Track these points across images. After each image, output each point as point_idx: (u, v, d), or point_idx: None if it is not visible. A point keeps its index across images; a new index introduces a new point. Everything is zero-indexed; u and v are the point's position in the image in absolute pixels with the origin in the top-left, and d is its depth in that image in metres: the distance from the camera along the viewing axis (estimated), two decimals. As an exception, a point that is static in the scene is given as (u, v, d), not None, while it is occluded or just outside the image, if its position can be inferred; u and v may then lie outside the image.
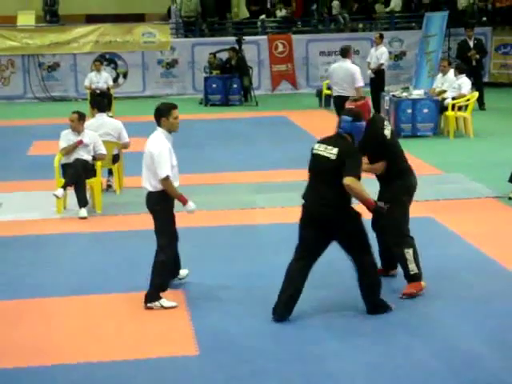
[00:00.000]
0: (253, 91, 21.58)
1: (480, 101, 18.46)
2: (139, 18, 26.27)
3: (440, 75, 16.83)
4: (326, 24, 25.48)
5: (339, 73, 14.27)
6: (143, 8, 27.84)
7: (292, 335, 6.71)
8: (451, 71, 16.44)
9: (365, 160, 7.20)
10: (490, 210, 10.57)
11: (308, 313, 7.12)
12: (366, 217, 7.20)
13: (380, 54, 19.83)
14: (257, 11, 25.31)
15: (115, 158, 11.69)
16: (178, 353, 6.45)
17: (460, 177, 12.37)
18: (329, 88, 20.76)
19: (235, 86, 21.44)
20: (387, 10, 25.61)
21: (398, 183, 7.46)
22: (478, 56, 19.42)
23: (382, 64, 19.57)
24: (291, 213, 10.42)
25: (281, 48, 23.86)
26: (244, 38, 21.92)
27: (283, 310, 6.94)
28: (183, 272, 7.87)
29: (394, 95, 16.26)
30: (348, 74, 14.07)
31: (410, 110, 15.77)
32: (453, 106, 15.81)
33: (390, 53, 21.78)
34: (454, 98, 15.95)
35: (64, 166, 10.80)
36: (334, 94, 14.70)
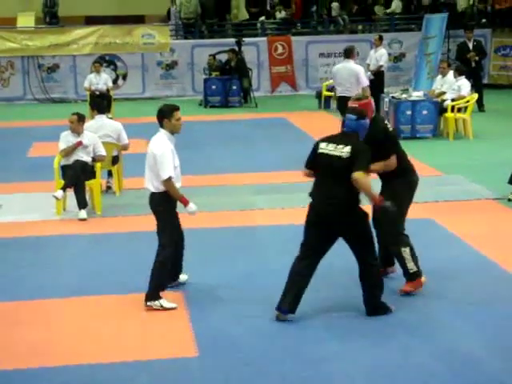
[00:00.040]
0: (252, 93, 21.58)
1: (479, 102, 18.46)
2: (139, 20, 26.26)
3: (439, 77, 16.83)
4: (326, 26, 25.49)
5: (343, 73, 14.29)
6: (143, 9, 27.84)
7: (292, 336, 6.72)
8: (451, 73, 16.45)
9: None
10: (489, 212, 10.57)
11: (308, 313, 7.12)
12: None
13: (379, 56, 19.84)
14: (256, 13, 25.31)
15: (115, 160, 11.69)
16: (178, 354, 6.45)
17: (460, 178, 12.37)
18: (328, 89, 20.86)
19: (235, 87, 21.44)
20: (388, 11, 25.60)
21: (399, 181, 7.48)
22: (477, 58, 19.43)
23: (381, 66, 19.58)
24: (291, 214, 10.46)
25: (280, 50, 23.86)
26: (243, 39, 21.92)
27: (287, 309, 6.96)
28: (183, 277, 7.88)
29: (393, 97, 16.27)
30: (352, 75, 14.10)
31: (409, 112, 15.77)
32: (452, 108, 15.82)
33: (389, 54, 21.78)
34: (453, 100, 15.96)
35: (63, 168, 10.80)
36: (338, 94, 14.72)
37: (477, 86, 18.14)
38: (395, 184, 7.47)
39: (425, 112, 15.80)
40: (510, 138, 15.24)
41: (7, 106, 22.38)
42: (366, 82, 14.23)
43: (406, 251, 7.48)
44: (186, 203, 7.38)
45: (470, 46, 19.65)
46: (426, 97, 16.25)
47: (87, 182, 10.71)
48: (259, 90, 23.24)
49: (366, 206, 7.13)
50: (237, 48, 21.53)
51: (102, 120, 11.70)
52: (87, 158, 10.79)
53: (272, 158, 14.32)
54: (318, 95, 21.03)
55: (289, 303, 6.96)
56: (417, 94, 16.32)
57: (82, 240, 9.67)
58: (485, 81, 22.49)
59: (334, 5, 25.62)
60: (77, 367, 6.23)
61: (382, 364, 6.18)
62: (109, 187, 11.91)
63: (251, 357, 6.35)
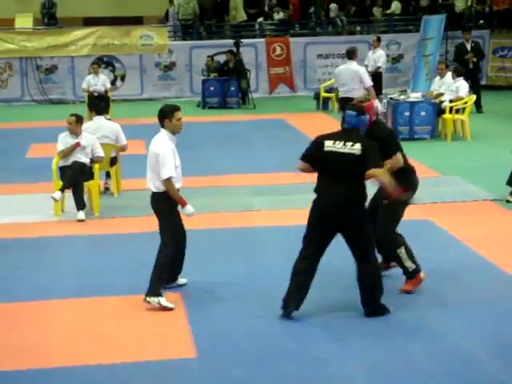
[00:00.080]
0: (250, 94, 21.57)
1: (477, 104, 18.47)
2: (137, 21, 26.25)
3: (437, 78, 16.84)
4: (324, 27, 25.49)
5: (346, 74, 14.31)
6: (141, 11, 27.84)
7: (291, 337, 6.71)
8: (449, 74, 16.46)
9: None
10: (487, 213, 10.58)
11: (307, 313, 7.12)
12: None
13: (377, 57, 19.87)
14: (254, 14, 25.30)
15: (113, 161, 11.69)
16: (177, 355, 6.45)
17: (458, 180, 12.38)
18: (326, 91, 20.87)
19: (233, 88, 21.44)
20: (388, 12, 25.60)
21: (399, 182, 7.47)
22: (475, 59, 19.43)
23: (379, 67, 19.60)
24: (290, 215, 10.47)
25: (278, 51, 23.86)
26: (242, 40, 21.92)
27: (292, 308, 6.99)
28: (182, 280, 7.88)
29: (391, 98, 16.27)
30: (355, 76, 14.13)
31: (407, 113, 15.78)
32: (450, 109, 15.83)
33: (387, 56, 21.79)
34: (451, 101, 15.97)
35: (62, 169, 10.80)
36: (341, 95, 14.73)
37: (475, 88, 18.15)
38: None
39: (423, 113, 15.81)
40: (508, 139, 15.24)
41: (5, 108, 22.36)
42: (369, 83, 14.26)
43: (401, 251, 7.51)
44: (183, 204, 7.41)
45: (468, 47, 19.66)
46: (424, 98, 16.25)
47: (85, 183, 10.71)
48: (257, 91, 23.24)
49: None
50: (235, 49, 21.53)
51: (100, 121, 11.70)
52: (85, 159, 10.78)
53: (270, 159, 14.32)
54: (317, 96, 21.02)
55: (293, 302, 6.99)
56: (415, 96, 16.33)
57: (80, 241, 9.67)
58: (483, 82, 22.50)
59: (332, 6, 25.62)
60: (76, 368, 6.23)
61: (381, 364, 6.18)
62: (107, 188, 11.91)
63: (250, 357, 6.35)
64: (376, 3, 25.96)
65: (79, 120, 10.88)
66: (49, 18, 24.96)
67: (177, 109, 7.43)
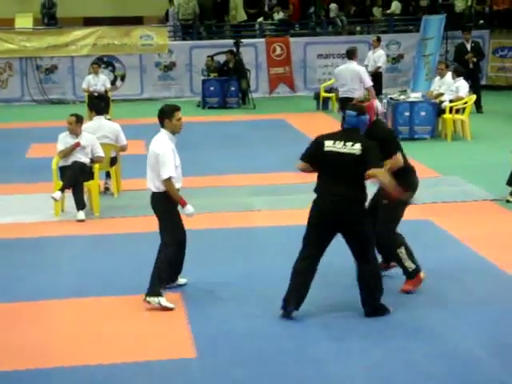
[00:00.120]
0: (250, 94, 21.58)
1: (477, 104, 18.47)
2: (137, 21, 26.25)
3: (437, 78, 16.84)
4: (324, 27, 25.49)
5: (346, 74, 14.32)
6: (141, 11, 27.84)
7: (291, 337, 6.72)
8: (449, 74, 16.45)
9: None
10: (487, 213, 10.58)
11: (307, 314, 7.13)
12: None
13: (377, 57, 19.87)
14: (254, 14, 25.31)
15: (113, 161, 11.69)
16: (177, 355, 6.45)
17: (458, 180, 12.38)
18: (326, 91, 20.87)
19: (233, 88, 21.44)
20: (389, 12, 25.59)
21: (400, 182, 7.47)
22: (475, 59, 19.43)
23: (379, 67, 19.60)
24: (290, 215, 10.47)
25: (278, 51, 23.86)
26: (242, 40, 21.92)
27: (292, 307, 7.01)
28: (182, 280, 7.88)
29: (391, 98, 16.27)
30: (356, 76, 14.14)
31: (407, 113, 15.78)
32: (450, 109, 15.83)
33: (387, 56, 21.79)
34: (451, 101, 15.97)
35: (62, 169, 10.80)
36: (341, 95, 14.73)
37: (475, 88, 18.15)
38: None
39: (423, 113, 15.81)
40: (508, 139, 15.23)
41: (5, 108, 22.36)
42: (369, 83, 14.27)
43: (401, 251, 7.52)
44: (183, 204, 7.42)
45: (468, 47, 19.66)
46: (424, 98, 16.25)
47: (85, 183, 10.71)
48: (257, 91, 23.24)
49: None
50: (235, 49, 21.53)
51: (100, 121, 11.70)
52: (85, 159, 10.78)
53: (270, 159, 14.32)
54: (317, 96, 21.02)
55: (293, 302, 7.01)
56: (415, 96, 16.33)
57: (80, 241, 9.67)
58: (483, 82, 22.50)
59: (332, 6, 25.62)
60: (75, 368, 6.23)
61: (381, 365, 6.18)
62: (107, 188, 11.91)
63: (250, 358, 6.35)
64: (376, 3, 25.97)
65: (79, 120, 10.88)
66: (49, 18, 24.95)
67: (177, 109, 7.44)
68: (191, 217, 7.54)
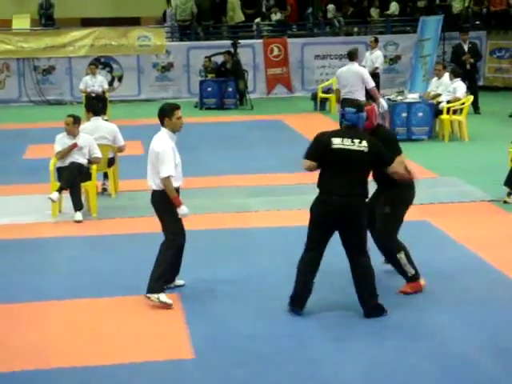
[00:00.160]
0: (248, 95, 21.58)
1: (475, 105, 18.50)
2: (134, 22, 26.26)
3: (435, 79, 16.86)
4: (321, 28, 25.50)
5: (347, 76, 14.34)
6: (138, 12, 27.84)
7: (288, 337, 6.72)
8: (446, 75, 16.47)
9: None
10: (484, 214, 10.59)
11: (306, 314, 7.14)
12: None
13: (375, 58, 19.89)
14: (252, 15, 25.31)
15: (110, 162, 11.69)
16: (174, 356, 6.45)
17: (455, 180, 12.39)
18: (324, 91, 20.88)
19: (230, 89, 21.45)
20: (388, 13, 25.60)
21: (399, 191, 7.51)
22: (472, 60, 19.45)
23: (376, 68, 19.61)
24: (287, 216, 10.47)
25: (276, 51, 23.87)
26: (239, 41, 21.92)
27: (300, 302, 7.12)
28: (179, 281, 7.89)
29: (389, 99, 16.27)
30: (357, 77, 14.17)
31: (404, 114, 15.79)
32: (448, 110, 15.85)
33: (384, 56, 21.82)
34: (448, 102, 15.99)
35: (59, 170, 10.79)
36: (343, 96, 14.75)
37: (472, 89, 18.16)
38: (394, 193, 7.52)
39: (420, 114, 15.82)
40: (505, 140, 15.23)
41: (2, 108, 22.34)
42: (371, 83, 14.29)
43: (401, 257, 7.53)
44: (178, 204, 7.43)
45: (466, 48, 19.68)
46: (422, 99, 16.27)
47: (83, 184, 10.71)
48: (255, 92, 23.25)
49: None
50: (232, 50, 21.54)
51: (97, 122, 11.70)
52: (83, 160, 10.78)
53: (268, 160, 14.33)
54: (314, 97, 21.03)
55: (298, 304, 7.14)
56: (412, 96, 16.34)
57: (77, 242, 9.67)
58: (480, 83, 22.51)
59: (330, 7, 25.63)
60: (72, 369, 6.23)
61: (378, 365, 6.19)
62: (104, 189, 11.91)
63: (247, 358, 6.36)
64: (373, 4, 25.97)
65: (77, 121, 10.88)
66: (46, 19, 24.94)
67: (177, 107, 7.52)
68: (185, 217, 7.55)
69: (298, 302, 7.15)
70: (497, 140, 15.16)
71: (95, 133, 11.37)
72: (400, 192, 7.53)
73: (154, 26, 25.19)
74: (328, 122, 17.53)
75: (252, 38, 24.46)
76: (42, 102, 23.04)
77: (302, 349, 6.50)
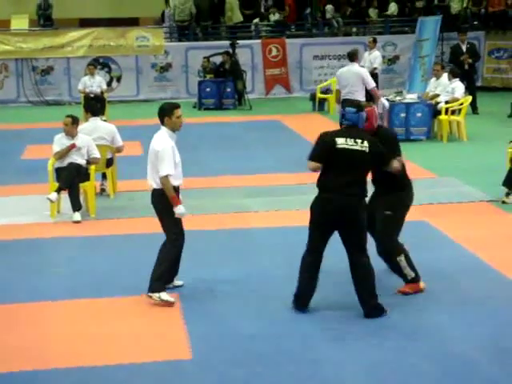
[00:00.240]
0: (246, 95, 21.59)
1: (473, 105, 18.51)
2: (133, 22, 26.27)
3: (433, 79, 16.88)
4: (320, 28, 25.52)
5: (348, 77, 14.36)
6: (137, 12, 27.85)
7: (287, 338, 6.71)
8: (444, 75, 16.48)
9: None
10: (483, 214, 10.59)
11: (305, 314, 7.13)
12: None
13: (373, 58, 19.90)
14: (250, 15, 25.32)
15: (109, 162, 11.69)
16: (172, 356, 6.44)
17: (453, 180, 12.39)
18: (322, 92, 20.89)
19: (229, 89, 21.46)
20: (388, 13, 25.62)
21: (398, 193, 7.55)
22: (470, 60, 19.46)
23: (375, 68, 19.62)
24: (285, 216, 10.47)
25: (274, 52, 23.89)
26: (238, 41, 21.93)
27: (304, 300, 7.19)
28: (178, 282, 7.89)
29: (387, 99, 16.28)
30: (358, 78, 14.18)
31: (403, 114, 15.80)
32: (446, 110, 15.85)
33: (383, 57, 21.82)
34: (447, 102, 15.99)
35: (58, 170, 10.79)
36: (343, 97, 14.76)
37: (470, 89, 18.17)
38: (394, 196, 7.55)
39: (419, 114, 15.83)
40: (503, 141, 15.23)
41: (1, 109, 22.33)
42: (372, 84, 14.31)
43: (401, 260, 7.53)
44: (176, 203, 7.43)
45: (464, 48, 19.69)
46: (420, 99, 16.28)
47: (81, 185, 10.70)
48: (253, 93, 23.26)
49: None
50: (231, 50, 21.55)
51: (96, 122, 11.69)
52: (81, 161, 10.78)
53: (266, 160, 14.32)
54: (312, 97, 21.05)
55: (302, 302, 7.20)
56: (411, 97, 16.35)
57: (76, 242, 9.66)
58: (479, 83, 22.54)
59: (328, 7, 25.65)
60: (70, 370, 6.22)
61: (378, 365, 6.18)
62: (103, 190, 11.90)
63: (246, 358, 6.35)
64: (372, 4, 25.99)
65: (75, 121, 10.87)
66: (45, 20, 24.95)
67: (176, 106, 7.56)
68: (182, 217, 7.54)
69: (302, 300, 7.19)
70: (495, 140, 15.17)
71: (94, 133, 11.37)
72: (399, 194, 7.55)
73: (153, 26, 25.21)
74: (326, 123, 17.53)
75: (250, 38, 24.47)
76: (41, 103, 23.04)
77: (301, 349, 6.50)
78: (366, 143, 7.01)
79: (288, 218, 10.36)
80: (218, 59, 22.03)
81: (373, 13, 25.91)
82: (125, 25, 24.37)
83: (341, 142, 7.02)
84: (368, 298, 7.09)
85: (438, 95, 16.23)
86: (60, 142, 10.81)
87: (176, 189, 7.52)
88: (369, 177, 7.33)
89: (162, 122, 7.52)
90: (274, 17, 25.33)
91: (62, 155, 10.72)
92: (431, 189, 11.77)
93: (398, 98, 16.17)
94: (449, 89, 16.15)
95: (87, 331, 6.96)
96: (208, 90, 21.55)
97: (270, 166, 13.70)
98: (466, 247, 9.08)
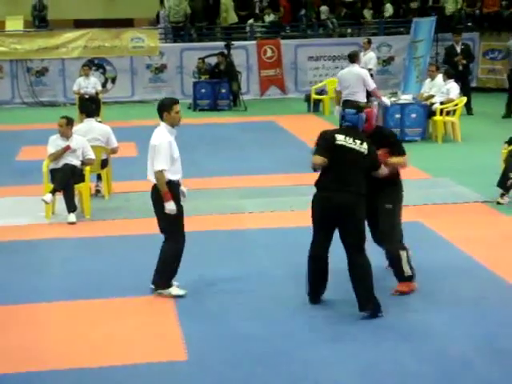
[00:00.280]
0: (241, 96, 21.59)
1: (468, 106, 18.53)
2: (128, 23, 26.23)
3: (428, 80, 16.89)
4: (315, 29, 25.52)
5: (348, 78, 14.39)
6: (132, 13, 27.81)
7: (282, 339, 6.72)
8: (439, 76, 16.50)
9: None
10: (477, 215, 10.61)
11: (300, 316, 7.14)
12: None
13: (368, 59, 19.91)
14: (245, 16, 25.32)
15: (104, 163, 11.68)
16: (167, 358, 6.44)
17: (448, 181, 12.41)
18: (317, 93, 20.89)
19: (224, 90, 21.45)
20: (386, 15, 25.63)
21: (397, 189, 7.67)
22: (464, 61, 19.49)
23: (370, 69, 19.59)
24: (281, 217, 10.48)
25: (269, 53, 23.88)
26: (233, 42, 21.93)
27: (317, 297, 7.37)
28: (173, 283, 7.89)
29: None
30: (359, 79, 14.21)
31: (398, 115, 15.82)
32: (441, 111, 15.88)
33: (378, 58, 21.84)
34: (442, 103, 16.02)
35: (52, 171, 10.78)
36: (344, 98, 14.78)
37: (465, 90, 18.19)
38: (394, 191, 7.67)
39: (413, 115, 15.85)
40: (497, 141, 15.25)
41: (-4, 110, 22.31)
42: (372, 85, 14.34)
43: (403, 255, 7.59)
44: (167, 199, 7.44)
45: (458, 49, 19.71)
46: (415, 100, 16.29)
47: (76, 186, 10.69)
48: (248, 94, 23.25)
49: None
50: (226, 51, 21.55)
51: (90, 123, 11.69)
52: (76, 162, 10.77)
53: (261, 161, 14.32)
54: (307, 98, 21.05)
55: (313, 299, 7.38)
56: (405, 98, 16.36)
57: (71, 243, 9.66)
58: (473, 84, 22.56)
59: (323, 8, 25.66)
60: (65, 372, 6.22)
61: (374, 366, 6.19)
62: (98, 191, 11.89)
63: (242, 359, 6.35)
64: (366, 5, 26.02)
65: (70, 122, 10.87)
66: (39, 21, 24.89)
67: (175, 102, 7.66)
68: (171, 213, 7.52)
69: (315, 297, 7.37)
70: (490, 141, 15.20)
71: (88, 134, 11.36)
72: (394, 188, 7.66)
73: (148, 27, 25.18)
74: (321, 124, 17.53)
75: (245, 39, 24.46)
76: (36, 104, 23.01)
77: (297, 349, 6.50)
78: (364, 145, 7.11)
79: (283, 219, 10.36)
80: (212, 60, 22.02)
81: (367, 14, 25.93)
82: (119, 26, 24.34)
83: (340, 138, 7.14)
84: (365, 298, 7.09)
85: (432, 96, 16.25)
86: (55, 143, 10.80)
87: (176, 183, 7.55)
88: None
89: (162, 118, 7.60)
90: (269, 18, 25.33)
91: (56, 157, 10.71)
92: (426, 189, 11.80)
93: (392, 99, 16.17)
94: (444, 90, 16.17)
95: (82, 332, 6.96)
96: (203, 90, 21.54)
97: (265, 166, 13.70)
98: (461, 248, 9.10)
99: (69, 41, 23.27)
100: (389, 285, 7.67)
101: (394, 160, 7.53)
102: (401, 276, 7.64)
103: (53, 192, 10.49)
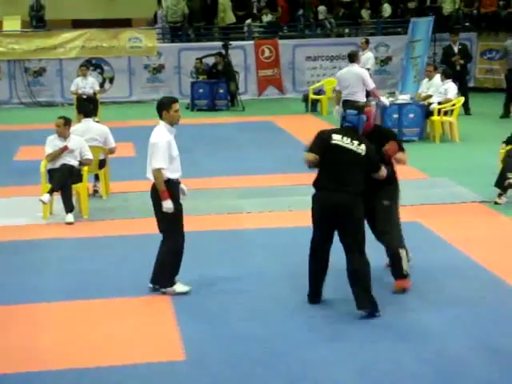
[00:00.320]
0: (239, 96, 21.59)
1: (465, 106, 18.54)
2: (125, 23, 26.23)
3: (426, 80, 16.90)
4: (313, 29, 25.54)
5: (348, 78, 14.40)
6: (129, 13, 27.81)
7: (279, 339, 6.72)
8: (437, 76, 16.51)
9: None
10: (475, 215, 10.62)
11: (295, 316, 7.14)
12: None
13: (366, 59, 19.90)
14: (243, 16, 25.33)
15: (101, 163, 11.67)
16: (165, 358, 6.44)
17: (446, 181, 12.42)
18: (315, 93, 20.90)
19: (222, 90, 21.46)
20: (385, 15, 25.64)
21: (393, 188, 7.72)
22: (462, 61, 19.50)
23: (368, 69, 19.56)
24: (279, 217, 10.48)
25: (267, 53, 23.89)
26: (230, 43, 21.93)
27: (317, 297, 7.38)
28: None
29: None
30: (358, 79, 14.23)
31: (396, 115, 15.82)
32: (439, 111, 15.88)
33: (375, 58, 21.84)
34: (439, 103, 16.02)
35: (50, 172, 10.77)
36: (343, 98, 14.80)
37: (462, 90, 18.21)
38: (393, 189, 7.71)
39: (411, 115, 15.86)
40: (495, 141, 15.27)
41: (-7, 110, 22.29)
42: (371, 85, 14.36)
43: (403, 253, 7.61)
44: (164, 198, 7.44)
45: (456, 49, 19.72)
46: (413, 100, 16.30)
47: (74, 186, 10.69)
48: (246, 94, 23.26)
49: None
50: (224, 51, 21.55)
51: (88, 124, 11.68)
52: (74, 162, 10.77)
53: (259, 161, 14.32)
54: (305, 98, 21.05)
55: (313, 299, 7.39)
56: (403, 98, 16.37)
57: (68, 244, 9.65)
58: (471, 84, 22.58)
59: (321, 8, 25.67)
60: (63, 372, 6.21)
61: (371, 366, 6.19)
62: (95, 191, 11.88)
63: (237, 360, 6.35)
64: (364, 6, 26.03)
65: (67, 122, 10.86)
66: (37, 21, 24.89)
67: (174, 100, 7.71)
68: (168, 211, 7.52)
69: (314, 298, 7.37)
70: (487, 141, 15.21)
71: (86, 134, 11.36)
72: (392, 188, 7.67)
73: (145, 27, 25.18)
74: (319, 124, 17.54)
75: (243, 39, 24.47)
76: (33, 104, 23.00)
77: (294, 349, 6.50)
78: (363, 146, 7.11)
79: (281, 219, 10.37)
80: (210, 60, 22.02)
81: (365, 14, 25.95)
82: (117, 26, 24.34)
83: (336, 138, 7.15)
84: (363, 298, 7.10)
85: (430, 96, 16.26)
86: (52, 143, 10.80)
87: (175, 182, 7.55)
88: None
89: (161, 116, 7.61)
90: (267, 18, 25.34)
91: (54, 157, 10.70)
92: (424, 189, 11.80)
93: (390, 99, 16.18)
94: (441, 90, 16.18)
95: (82, 332, 6.96)
96: (201, 91, 21.55)
97: (263, 166, 13.70)
98: (459, 248, 9.10)
99: (66, 41, 23.26)
100: (387, 284, 7.67)
101: (400, 155, 7.56)
102: (399, 273, 7.64)
103: (50, 192, 10.48)
